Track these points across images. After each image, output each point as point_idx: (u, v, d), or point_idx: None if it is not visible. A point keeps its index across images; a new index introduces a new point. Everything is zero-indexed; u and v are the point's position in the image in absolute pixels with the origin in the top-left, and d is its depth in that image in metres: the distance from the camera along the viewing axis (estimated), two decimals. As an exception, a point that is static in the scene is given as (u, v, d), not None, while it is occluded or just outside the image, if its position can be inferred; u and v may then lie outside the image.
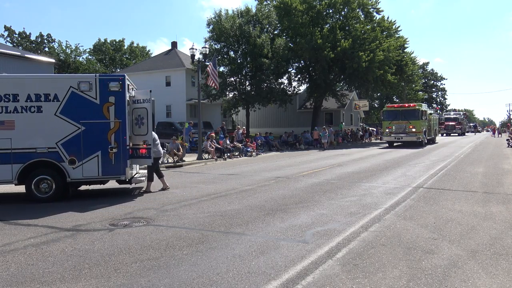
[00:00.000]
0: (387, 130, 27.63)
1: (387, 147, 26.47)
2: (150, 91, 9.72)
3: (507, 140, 28.99)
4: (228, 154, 20.35)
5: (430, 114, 30.92)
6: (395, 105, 30.92)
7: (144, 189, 10.08)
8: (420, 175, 12.04)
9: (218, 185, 10.97)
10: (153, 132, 9.80)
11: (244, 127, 25.99)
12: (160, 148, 10.47)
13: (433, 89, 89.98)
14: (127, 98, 9.15)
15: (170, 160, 17.26)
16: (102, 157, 8.86)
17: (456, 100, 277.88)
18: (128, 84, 9.28)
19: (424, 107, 28.75)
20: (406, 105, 28.82)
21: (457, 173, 12.45)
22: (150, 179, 10.03)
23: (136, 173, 10.50)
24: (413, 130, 26.37)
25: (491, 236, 5.62)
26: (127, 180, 9.35)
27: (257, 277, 4.21)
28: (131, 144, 9.39)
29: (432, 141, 30.95)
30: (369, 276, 4.20)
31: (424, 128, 27.29)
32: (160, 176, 10.30)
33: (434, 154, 20.13)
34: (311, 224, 6.40)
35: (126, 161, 9.01)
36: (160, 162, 11.45)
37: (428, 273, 4.26)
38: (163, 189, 10.07)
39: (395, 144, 27.52)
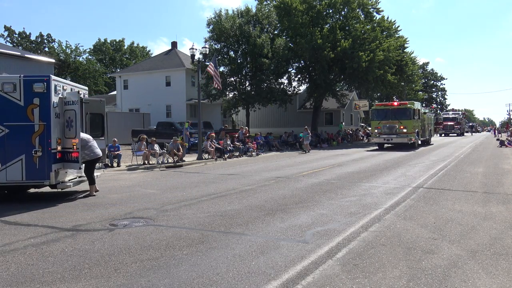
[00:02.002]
0: (375, 131, 25.40)
1: (377, 149, 24.41)
2: (78, 92, 9.39)
3: (498, 139, 28.98)
4: (228, 154, 20.36)
5: (424, 113, 29.14)
6: (386, 103, 28.37)
7: (88, 193, 9.57)
8: (420, 175, 12.04)
9: (218, 185, 10.97)
10: (85, 134, 9.62)
11: (246, 128, 25.86)
12: (95, 150, 9.65)
13: (433, 89, 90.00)
14: (54, 99, 8.81)
15: (170, 160, 17.26)
16: (26, 161, 8.55)
17: (456, 100, 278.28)
18: (56, 85, 8.91)
19: (416, 105, 26.55)
20: (397, 103, 26.60)
21: (457, 173, 12.45)
22: (92, 182, 9.55)
23: (76, 177, 9.98)
24: (404, 130, 24.27)
25: (491, 236, 5.62)
26: (56, 185, 8.95)
27: (257, 277, 4.20)
28: (59, 148, 8.99)
29: (426, 143, 29.28)
30: (369, 276, 4.20)
31: (417, 129, 25.35)
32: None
33: (434, 154, 20.14)
34: (311, 224, 6.40)
35: (51, 165, 8.65)
36: (98, 164, 10.42)
37: (428, 273, 4.26)
38: (87, 195, 9.42)
39: (385, 146, 25.62)
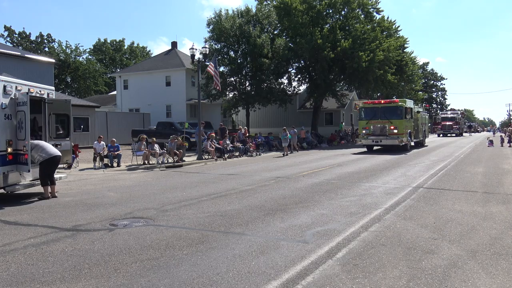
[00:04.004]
0: (363, 132, 22.93)
1: (365, 152, 22.37)
2: (27, 92, 9.09)
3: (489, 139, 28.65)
4: (228, 154, 20.36)
5: (418, 112, 26.86)
6: (375, 101, 25.57)
7: (40, 196, 9.27)
8: (420, 175, 12.04)
9: (218, 185, 10.97)
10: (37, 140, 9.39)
11: (245, 127, 25.79)
12: (48, 150, 9.25)
13: (433, 89, 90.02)
14: (3, 100, 8.64)
15: (170, 160, 17.26)
16: None
17: (456, 100, 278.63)
18: (5, 85, 8.69)
19: (409, 103, 24.01)
20: (387, 101, 24.14)
21: (457, 173, 12.45)
22: (43, 184, 9.19)
23: (33, 180, 9.63)
24: (395, 131, 21.81)
25: (491, 236, 5.62)
26: (5, 187, 8.84)
27: (257, 277, 4.20)
28: (10, 150, 8.79)
29: (420, 145, 27.09)
30: (369, 276, 4.20)
31: (409, 129, 23.16)
32: (51, 183, 9.36)
33: (434, 154, 20.14)
34: (311, 224, 6.40)
35: None
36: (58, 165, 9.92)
37: (428, 273, 4.26)
38: (41, 198, 9.10)
39: (374, 148, 23.60)
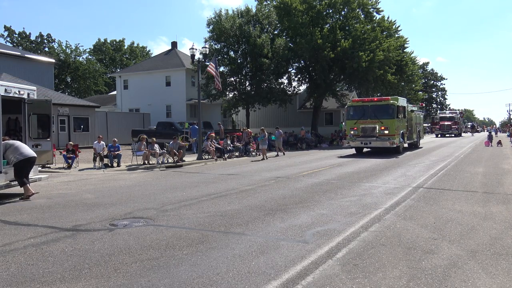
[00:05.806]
0: (351, 132, 20.85)
1: (354, 155, 20.68)
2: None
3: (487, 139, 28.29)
4: (228, 154, 20.36)
5: (412, 111, 25.02)
6: (364, 99, 23.49)
7: (21, 196, 9.07)
8: (420, 175, 12.04)
9: (218, 185, 10.97)
10: (11, 140, 9.23)
11: (249, 129, 25.58)
12: (25, 152, 9.00)
13: (433, 89, 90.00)
14: None
15: (170, 160, 17.26)
16: None
17: (456, 100, 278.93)
18: None
19: (401, 102, 21.81)
20: (377, 99, 22.12)
21: (457, 173, 12.44)
22: (21, 184, 8.97)
23: (10, 181, 9.34)
24: (386, 132, 19.86)
25: (491, 236, 5.62)
26: None
27: (257, 277, 4.20)
28: None
29: (414, 146, 25.26)
30: (369, 276, 4.20)
31: (402, 130, 21.19)
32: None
33: (434, 155, 20.13)
34: (311, 224, 6.40)
35: None
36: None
37: (428, 273, 4.26)
38: (26, 197, 8.93)
39: (364, 150, 22.01)
